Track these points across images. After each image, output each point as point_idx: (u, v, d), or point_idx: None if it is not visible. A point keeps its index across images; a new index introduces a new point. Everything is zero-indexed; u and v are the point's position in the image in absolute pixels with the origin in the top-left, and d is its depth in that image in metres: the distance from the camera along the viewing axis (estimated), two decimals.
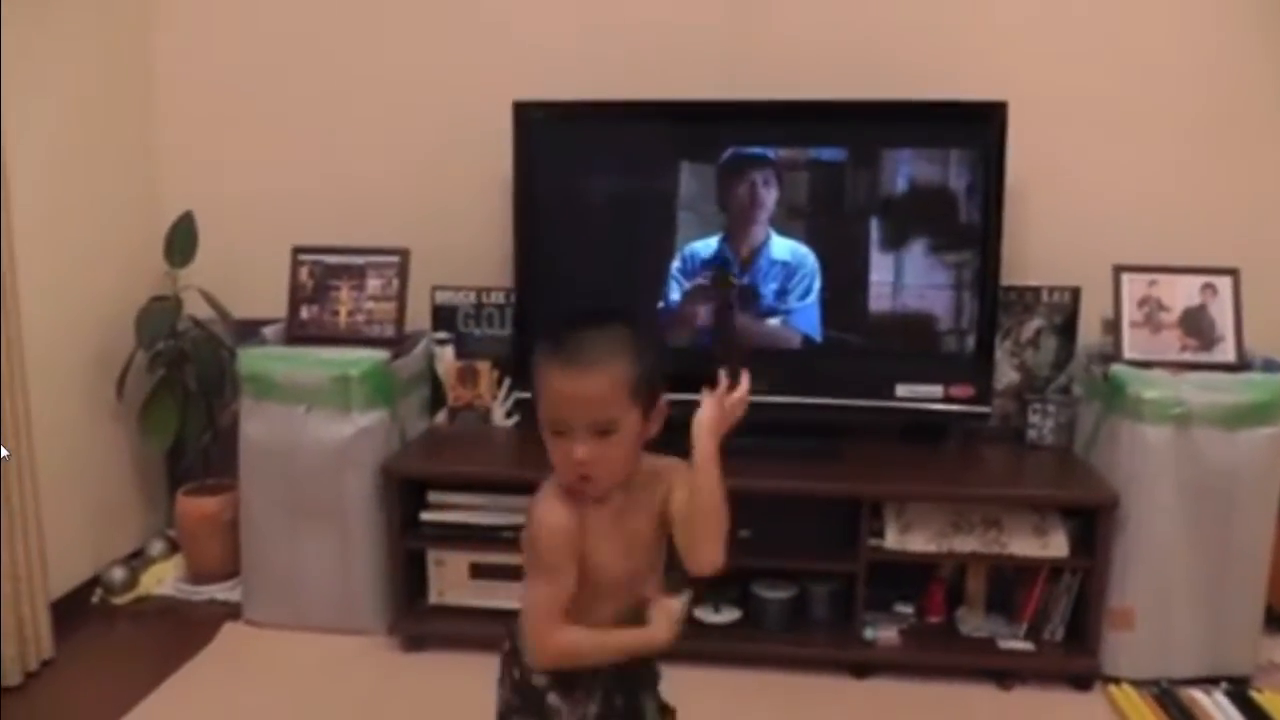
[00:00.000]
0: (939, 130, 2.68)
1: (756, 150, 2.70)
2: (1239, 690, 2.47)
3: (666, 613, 1.45)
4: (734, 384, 1.47)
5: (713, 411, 1.43)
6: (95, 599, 2.88)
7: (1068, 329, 2.83)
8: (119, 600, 2.89)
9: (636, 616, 1.47)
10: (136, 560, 3.04)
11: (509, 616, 1.54)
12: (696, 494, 1.42)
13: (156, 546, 3.09)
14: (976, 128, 2.63)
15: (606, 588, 1.45)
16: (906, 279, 2.70)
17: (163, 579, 2.98)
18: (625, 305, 2.63)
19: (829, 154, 2.72)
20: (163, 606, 2.89)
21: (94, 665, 2.60)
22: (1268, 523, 2.49)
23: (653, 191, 2.77)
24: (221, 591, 2.91)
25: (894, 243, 2.69)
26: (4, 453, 2.40)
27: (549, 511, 1.42)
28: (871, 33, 2.83)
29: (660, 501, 1.47)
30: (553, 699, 1.48)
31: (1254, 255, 2.68)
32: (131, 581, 2.93)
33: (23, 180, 2.53)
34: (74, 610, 2.77)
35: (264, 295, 2.94)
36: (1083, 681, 2.50)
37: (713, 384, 1.46)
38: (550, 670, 1.46)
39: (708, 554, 1.43)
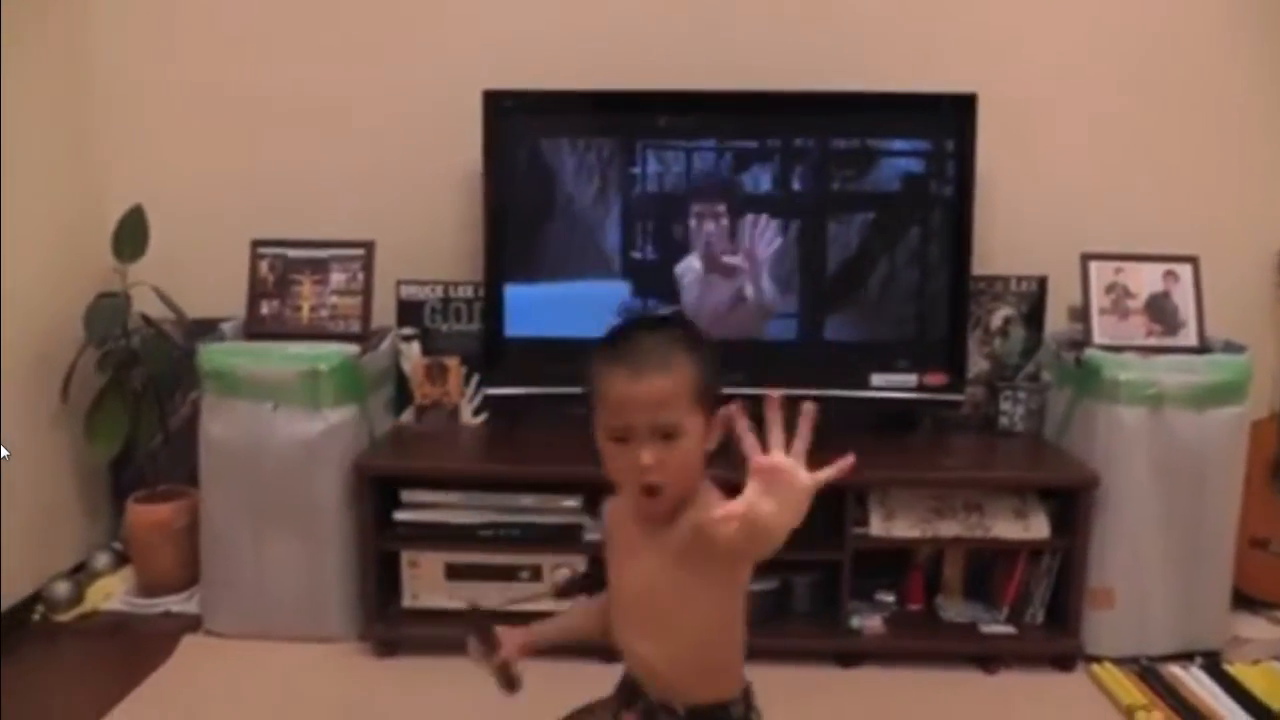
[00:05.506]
0: (910, 122, 2.70)
1: (721, 150, 2.70)
2: (1213, 664, 2.53)
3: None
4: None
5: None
6: (37, 617, 2.70)
7: (1035, 317, 2.88)
8: (63, 617, 2.71)
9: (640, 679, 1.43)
10: (80, 574, 2.86)
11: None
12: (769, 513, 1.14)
13: (101, 559, 2.91)
14: (947, 120, 2.66)
15: (623, 611, 1.43)
16: (880, 269, 2.72)
17: (111, 594, 2.81)
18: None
19: (799, 145, 2.73)
20: (113, 622, 2.72)
21: (37, 689, 2.43)
22: (1234, 500, 2.57)
23: (625, 182, 2.73)
24: (177, 603, 2.75)
25: (867, 234, 2.71)
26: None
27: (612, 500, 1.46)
28: (844, 24, 2.85)
29: (688, 533, 1.32)
30: None
31: (1212, 243, 2.76)
32: (77, 597, 2.75)
33: None
34: (13, 630, 2.59)
35: (219, 292, 2.82)
36: (1065, 662, 2.53)
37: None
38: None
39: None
